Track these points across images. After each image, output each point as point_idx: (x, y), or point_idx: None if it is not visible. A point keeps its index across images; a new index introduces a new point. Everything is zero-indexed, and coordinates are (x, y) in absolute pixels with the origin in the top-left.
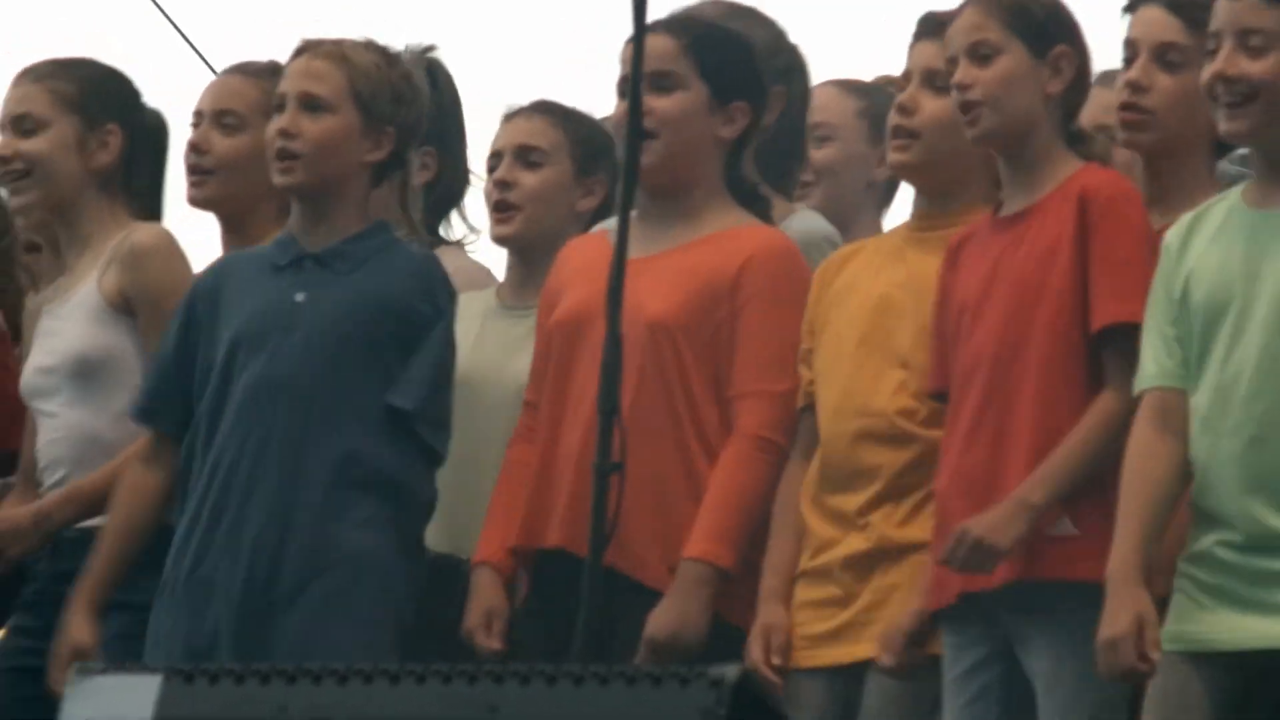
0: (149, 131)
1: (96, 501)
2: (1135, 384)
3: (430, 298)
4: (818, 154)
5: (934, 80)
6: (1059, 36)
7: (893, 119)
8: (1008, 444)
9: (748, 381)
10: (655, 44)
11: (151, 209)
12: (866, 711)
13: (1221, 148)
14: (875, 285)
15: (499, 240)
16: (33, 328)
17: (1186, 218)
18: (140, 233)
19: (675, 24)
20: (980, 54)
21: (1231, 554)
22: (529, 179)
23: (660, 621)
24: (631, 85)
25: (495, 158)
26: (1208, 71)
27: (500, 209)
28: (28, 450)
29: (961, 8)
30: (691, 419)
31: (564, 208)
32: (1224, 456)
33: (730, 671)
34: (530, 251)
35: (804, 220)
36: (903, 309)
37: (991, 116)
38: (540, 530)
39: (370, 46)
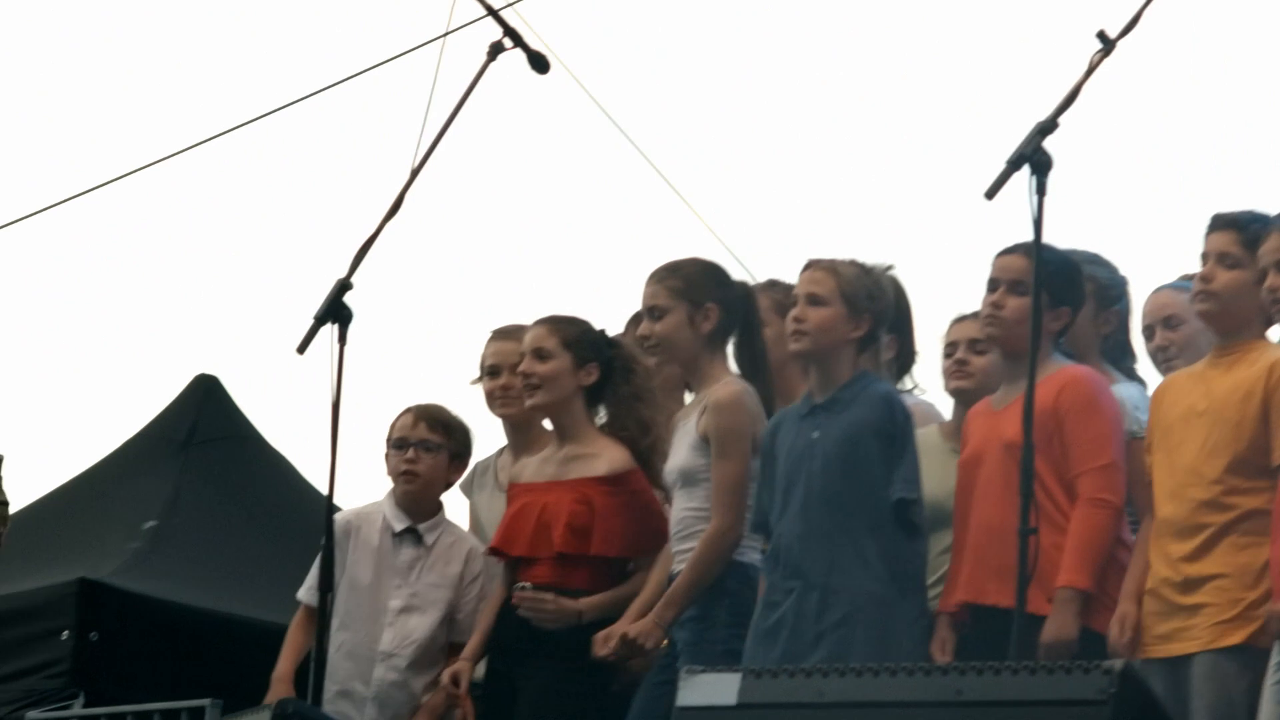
0: (739, 301)
1: (694, 590)
2: None
3: (894, 416)
4: (1174, 334)
5: (1224, 260)
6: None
7: (1195, 285)
8: None
9: (1077, 464)
10: (1013, 262)
11: (751, 363)
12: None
13: None
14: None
15: (956, 393)
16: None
17: None
18: (721, 389)
19: (1027, 249)
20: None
21: None
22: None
23: (1049, 631)
24: (1035, 279)
25: (951, 346)
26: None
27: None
28: None
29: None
30: (1050, 502)
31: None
32: None
33: (1116, 664)
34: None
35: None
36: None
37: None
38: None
39: (853, 263)
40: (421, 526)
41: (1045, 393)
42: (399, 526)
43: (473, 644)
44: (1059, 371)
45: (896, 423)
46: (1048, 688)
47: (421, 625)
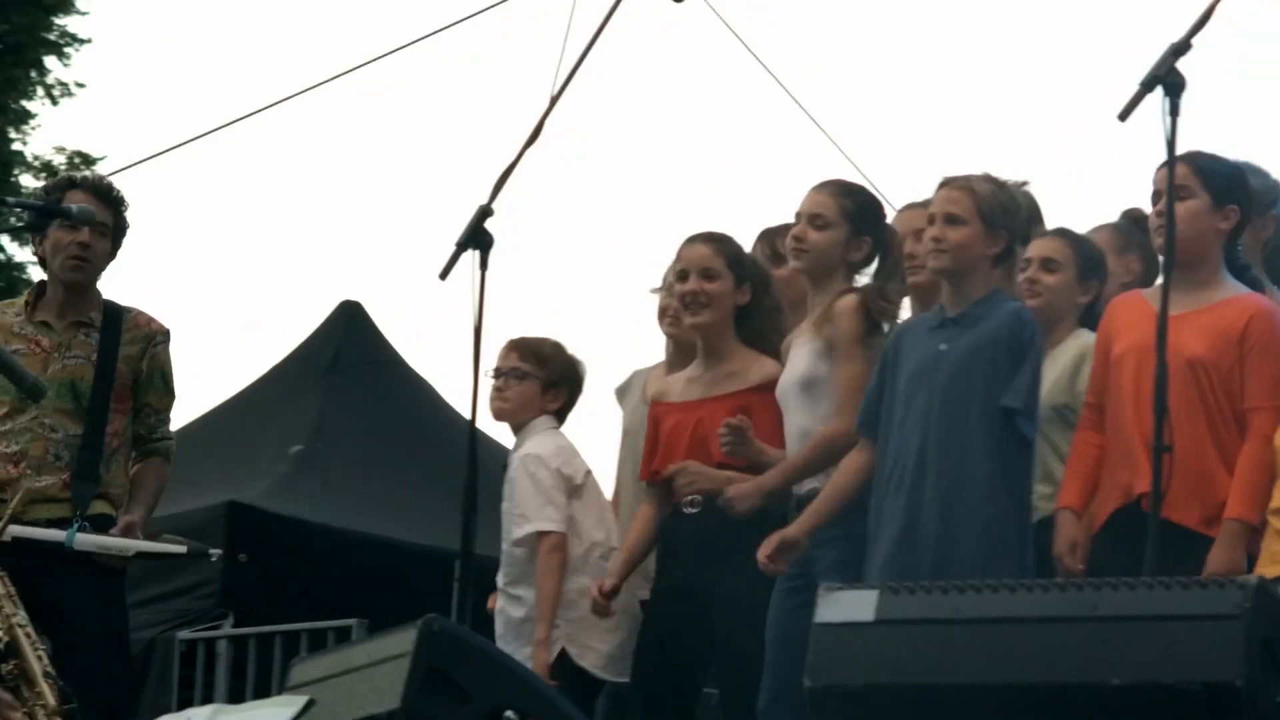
0: (886, 237)
1: (800, 473)
2: None
3: (1021, 332)
4: None
5: None
6: None
7: None
8: None
9: (1256, 399)
10: (1178, 170)
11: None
12: None
13: None
14: None
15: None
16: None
17: None
18: (841, 300)
19: (1188, 156)
20: None
21: None
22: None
23: (1217, 562)
24: (1166, 198)
25: (1025, 262)
26: None
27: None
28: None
29: None
30: (1221, 420)
31: None
32: None
33: (1251, 579)
34: None
35: None
36: None
37: None
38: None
39: (988, 179)
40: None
41: (1232, 315)
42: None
43: (621, 560)
44: (1246, 298)
45: (1021, 338)
46: (1183, 602)
47: (507, 541)
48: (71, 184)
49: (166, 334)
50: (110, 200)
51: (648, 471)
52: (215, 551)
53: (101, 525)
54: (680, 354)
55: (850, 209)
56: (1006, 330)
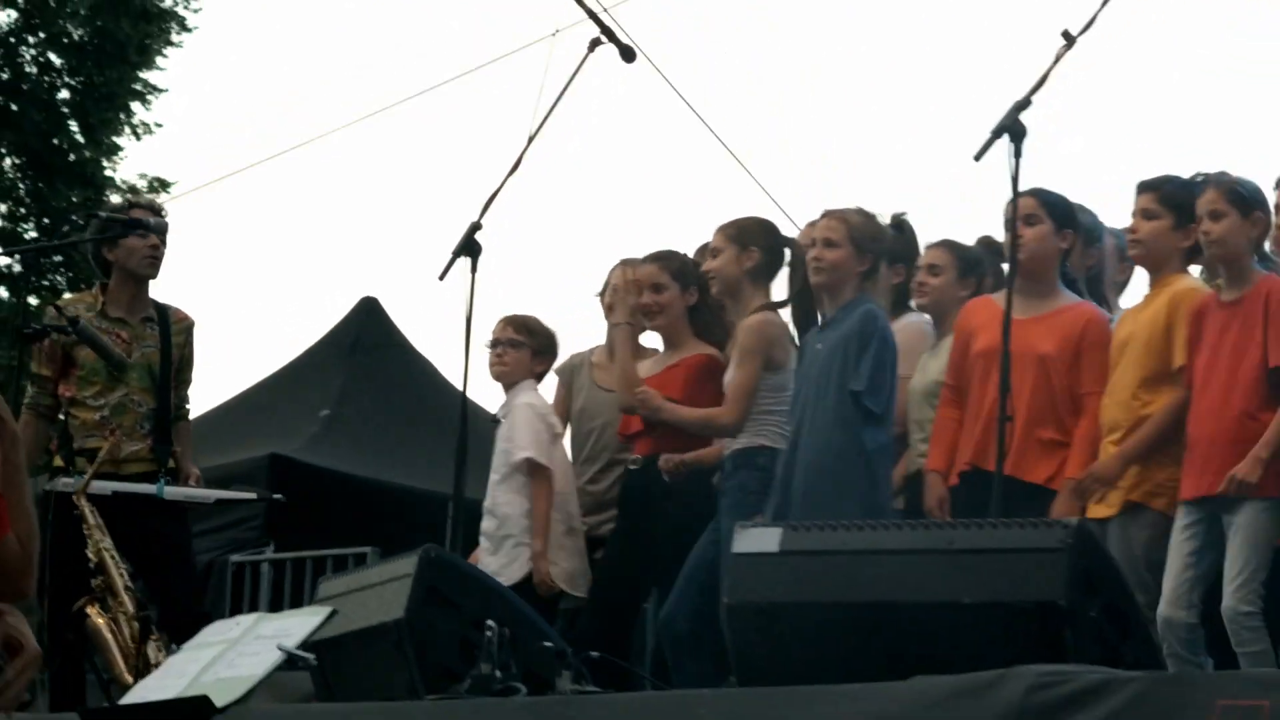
0: (781, 252)
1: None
2: None
3: (866, 326)
4: None
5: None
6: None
7: (1127, 236)
8: None
9: (1088, 385)
10: (1023, 202)
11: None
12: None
13: None
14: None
15: (919, 307)
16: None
17: None
18: (745, 320)
19: (1035, 191)
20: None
21: None
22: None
23: (1059, 508)
24: (1009, 225)
25: (916, 269)
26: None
27: (918, 291)
28: None
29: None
30: (1061, 402)
31: None
32: None
33: (1073, 520)
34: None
35: None
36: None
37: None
38: (968, 453)
39: (859, 211)
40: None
41: (1073, 319)
42: (498, 413)
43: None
44: (1081, 305)
45: (866, 332)
46: (1020, 538)
47: (497, 472)
48: (133, 205)
49: (194, 325)
50: (161, 216)
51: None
52: (278, 496)
53: (173, 478)
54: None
55: (732, 233)
56: (857, 326)
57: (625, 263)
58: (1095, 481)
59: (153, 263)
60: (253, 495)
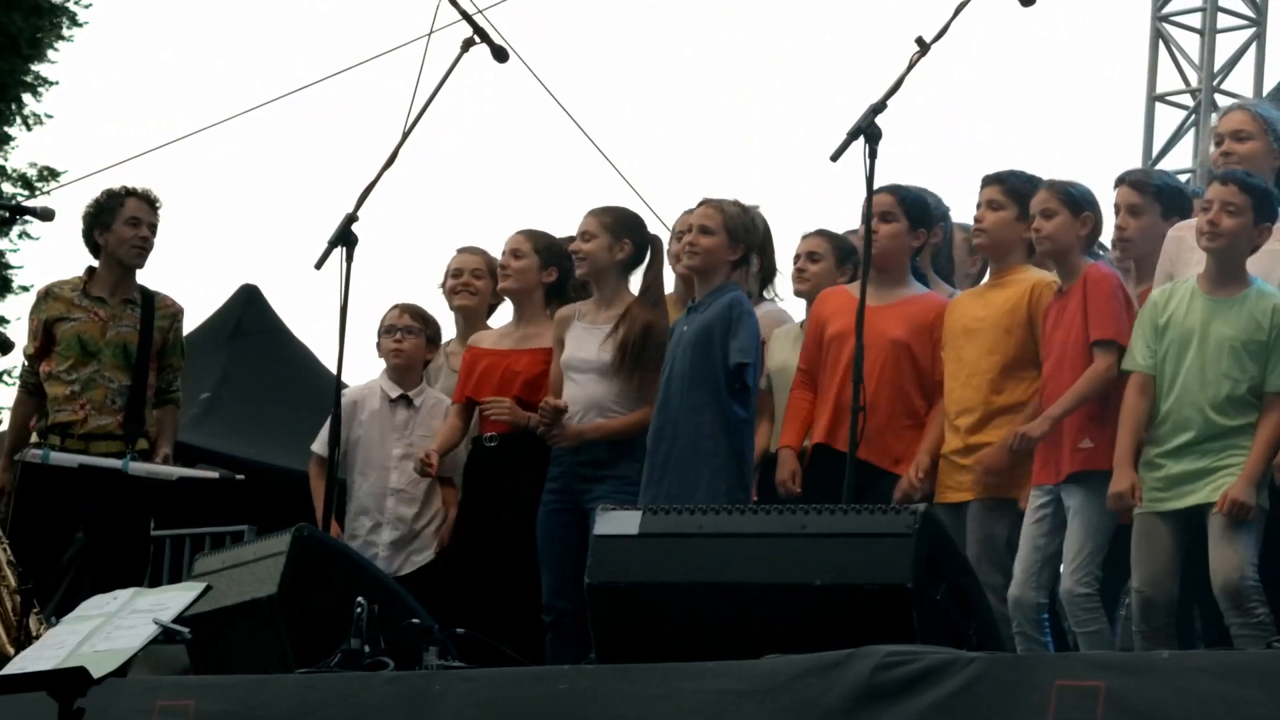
0: (648, 243)
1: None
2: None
3: (732, 309)
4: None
5: (992, 205)
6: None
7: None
8: None
9: (937, 373)
10: (881, 199)
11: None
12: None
13: None
14: None
15: (798, 294)
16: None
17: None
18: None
19: (893, 188)
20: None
21: None
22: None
23: (901, 491)
24: (864, 221)
25: (796, 258)
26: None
27: (798, 278)
28: None
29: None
30: (910, 387)
31: None
32: None
33: (920, 506)
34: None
35: None
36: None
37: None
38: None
39: (735, 203)
40: (412, 393)
41: (924, 308)
42: (394, 394)
43: (440, 442)
44: (929, 295)
45: (733, 313)
46: (869, 523)
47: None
48: (129, 193)
49: (182, 312)
50: (155, 207)
51: (461, 396)
52: (240, 477)
53: (143, 457)
54: (468, 324)
55: (608, 222)
56: (723, 310)
57: (462, 250)
58: (1026, 441)
59: (140, 252)
60: (215, 474)
